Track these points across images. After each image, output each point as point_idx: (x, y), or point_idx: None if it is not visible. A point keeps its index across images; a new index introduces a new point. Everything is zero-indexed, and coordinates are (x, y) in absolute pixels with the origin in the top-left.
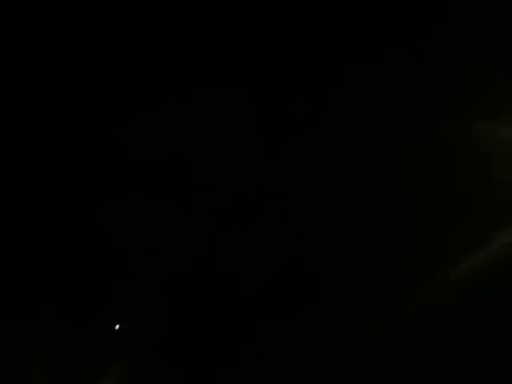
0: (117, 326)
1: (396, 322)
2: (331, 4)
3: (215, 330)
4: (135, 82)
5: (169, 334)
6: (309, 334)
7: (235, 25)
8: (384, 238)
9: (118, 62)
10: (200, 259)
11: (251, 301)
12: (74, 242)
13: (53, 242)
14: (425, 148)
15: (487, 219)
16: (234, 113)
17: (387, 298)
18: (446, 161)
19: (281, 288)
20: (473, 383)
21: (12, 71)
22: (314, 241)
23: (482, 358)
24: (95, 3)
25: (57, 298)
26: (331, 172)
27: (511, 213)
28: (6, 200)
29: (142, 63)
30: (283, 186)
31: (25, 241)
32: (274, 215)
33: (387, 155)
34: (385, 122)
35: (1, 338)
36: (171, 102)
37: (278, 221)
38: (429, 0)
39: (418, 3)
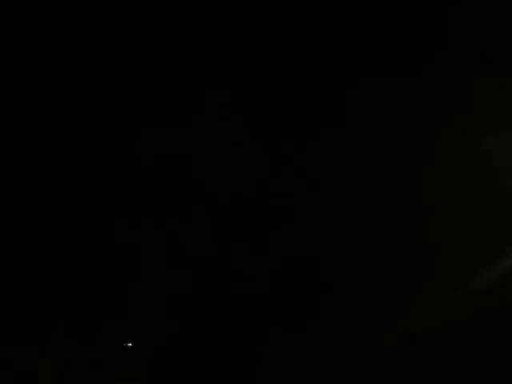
0: (129, 344)
1: (405, 333)
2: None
3: (222, 346)
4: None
5: (176, 349)
6: (314, 338)
7: (232, 27)
8: (395, 248)
9: (117, 66)
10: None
11: (256, 303)
12: (81, 256)
13: (59, 256)
14: (436, 161)
15: (499, 234)
16: (235, 113)
17: (398, 309)
18: (457, 173)
19: (286, 291)
20: None
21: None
22: (322, 246)
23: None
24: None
25: (64, 314)
26: (344, 185)
27: None
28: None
29: (140, 65)
30: (289, 188)
31: (30, 251)
32: (282, 218)
33: (396, 166)
34: (392, 132)
35: (8, 355)
36: (171, 104)
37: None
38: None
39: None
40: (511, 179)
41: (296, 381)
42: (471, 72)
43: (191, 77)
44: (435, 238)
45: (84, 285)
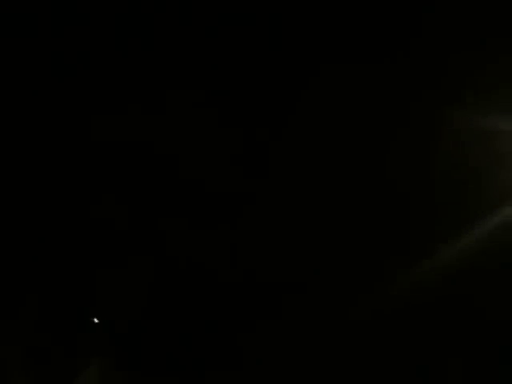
0: (96, 320)
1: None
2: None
3: (195, 324)
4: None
5: (149, 326)
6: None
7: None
8: (368, 229)
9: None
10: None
11: (233, 298)
12: (50, 234)
13: (28, 234)
14: (403, 135)
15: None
16: (215, 112)
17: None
18: (427, 150)
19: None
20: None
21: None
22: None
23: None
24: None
25: (33, 292)
26: (312, 155)
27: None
28: None
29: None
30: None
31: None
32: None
33: (363, 141)
34: (367, 112)
35: None
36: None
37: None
38: None
39: None
40: (477, 154)
41: (269, 361)
42: (438, 46)
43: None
44: (401, 211)
45: (52, 263)
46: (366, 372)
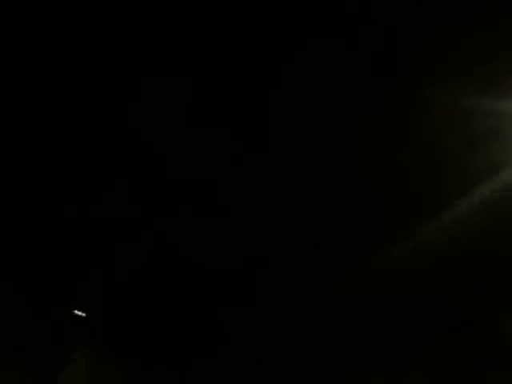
0: (79, 313)
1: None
2: None
3: (178, 317)
4: None
5: (134, 319)
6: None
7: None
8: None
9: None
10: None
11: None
12: (36, 228)
13: (13, 229)
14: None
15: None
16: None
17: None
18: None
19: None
20: None
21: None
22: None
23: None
24: None
25: (21, 285)
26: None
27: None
28: None
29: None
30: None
31: None
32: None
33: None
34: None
35: None
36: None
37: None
38: None
39: None
40: (452, 134)
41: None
42: (413, 26)
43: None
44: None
45: (39, 257)
46: (348, 354)
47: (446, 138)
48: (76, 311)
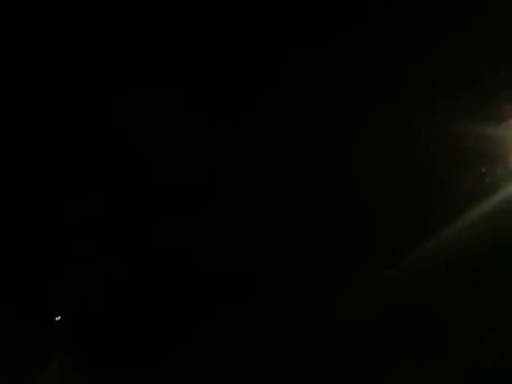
0: (57, 317)
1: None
2: None
3: (158, 321)
4: None
5: (109, 324)
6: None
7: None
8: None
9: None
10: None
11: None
12: (11, 230)
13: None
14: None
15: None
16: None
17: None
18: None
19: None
20: None
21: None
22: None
23: None
24: None
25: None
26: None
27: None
28: None
29: None
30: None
31: None
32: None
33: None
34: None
35: None
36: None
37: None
38: None
39: None
40: (442, 154)
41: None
42: (407, 46)
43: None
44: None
45: (14, 261)
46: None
47: (436, 158)
48: (52, 316)
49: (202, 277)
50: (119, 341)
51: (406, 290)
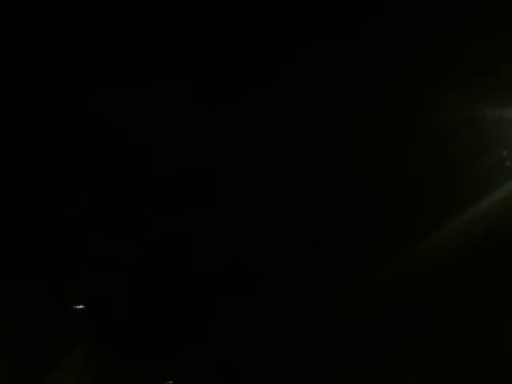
0: (80, 306)
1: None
2: None
3: (178, 310)
4: None
5: (132, 313)
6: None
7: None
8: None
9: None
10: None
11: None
12: (33, 223)
13: (11, 222)
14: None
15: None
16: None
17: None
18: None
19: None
20: None
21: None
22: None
23: None
24: None
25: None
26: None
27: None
28: None
29: None
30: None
31: None
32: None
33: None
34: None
35: None
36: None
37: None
38: None
39: None
40: (458, 140)
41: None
42: (418, 33)
43: None
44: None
45: (38, 252)
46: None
47: (450, 143)
48: (76, 305)
49: (208, 272)
50: (139, 330)
51: (426, 272)
